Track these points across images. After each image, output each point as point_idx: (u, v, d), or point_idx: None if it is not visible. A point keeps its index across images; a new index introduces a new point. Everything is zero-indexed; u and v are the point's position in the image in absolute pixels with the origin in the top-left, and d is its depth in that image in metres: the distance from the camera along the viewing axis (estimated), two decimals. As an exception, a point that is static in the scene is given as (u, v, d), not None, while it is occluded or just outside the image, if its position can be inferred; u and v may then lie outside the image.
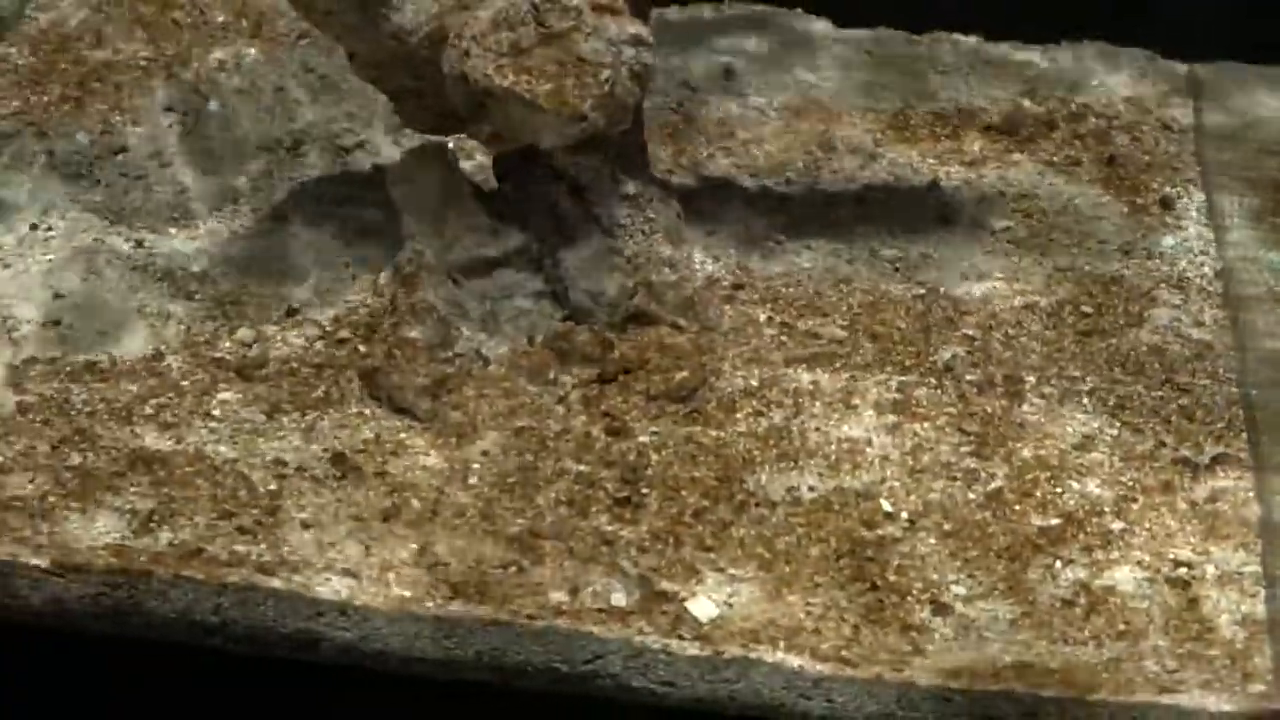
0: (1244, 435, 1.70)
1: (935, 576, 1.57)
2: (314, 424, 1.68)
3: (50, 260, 1.84)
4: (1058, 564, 1.58)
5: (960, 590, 1.56)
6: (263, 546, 1.57)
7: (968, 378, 1.75)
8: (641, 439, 1.67)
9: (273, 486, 1.62)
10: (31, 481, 1.62)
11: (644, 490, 1.63)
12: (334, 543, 1.57)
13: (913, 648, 1.51)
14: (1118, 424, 1.71)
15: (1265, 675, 1.49)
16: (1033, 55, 2.18)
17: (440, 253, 1.74)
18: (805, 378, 1.74)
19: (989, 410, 1.71)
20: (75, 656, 1.61)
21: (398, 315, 1.72)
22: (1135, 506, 1.63)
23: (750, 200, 1.95)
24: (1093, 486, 1.65)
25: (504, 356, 1.74)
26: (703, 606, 1.54)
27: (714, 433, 1.68)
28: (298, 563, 1.55)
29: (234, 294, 1.82)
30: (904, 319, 1.81)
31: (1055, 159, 2.02)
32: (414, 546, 1.57)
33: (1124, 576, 1.57)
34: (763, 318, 1.80)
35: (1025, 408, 1.72)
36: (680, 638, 1.50)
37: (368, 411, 1.69)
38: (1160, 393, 1.74)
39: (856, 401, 1.71)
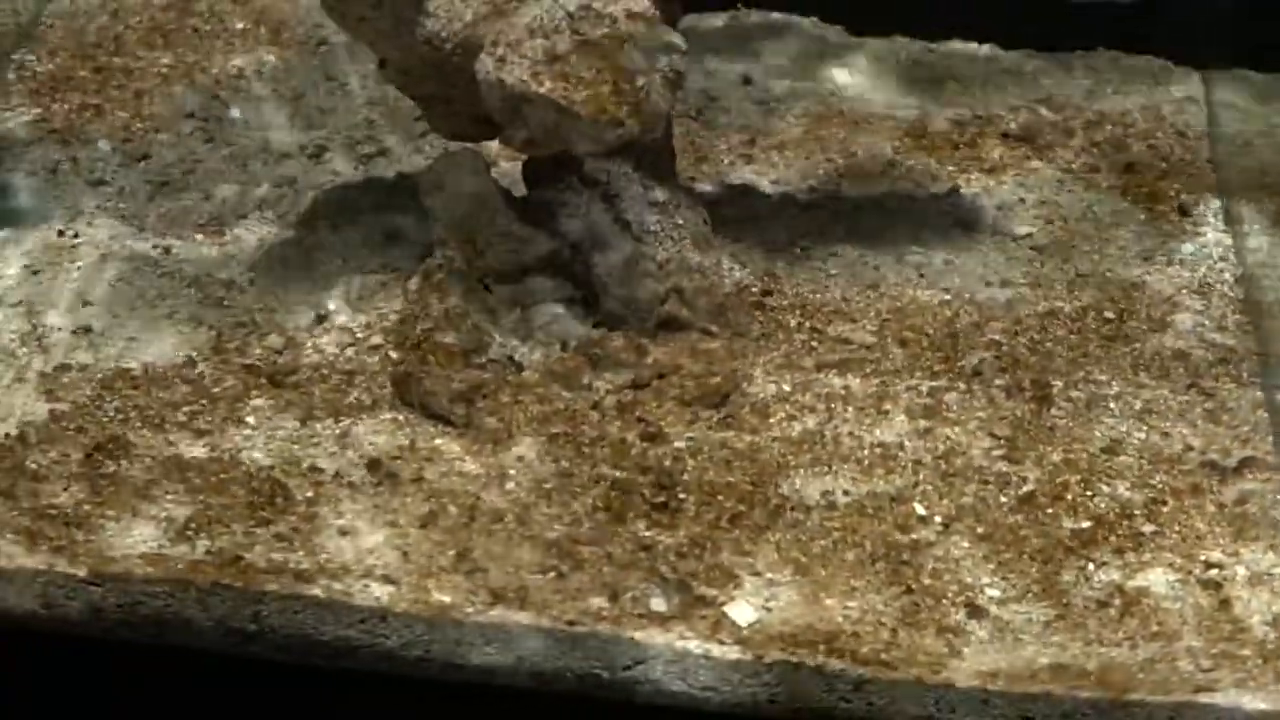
0: (1269, 438, 1.71)
1: (970, 579, 1.58)
2: (348, 430, 1.68)
3: (79, 267, 1.84)
4: (1090, 566, 1.59)
5: (995, 593, 1.57)
6: (301, 554, 1.57)
7: (996, 382, 1.76)
8: (677, 444, 1.68)
9: (309, 493, 1.62)
10: (66, 490, 1.62)
11: (680, 495, 1.63)
12: (372, 549, 1.57)
13: (950, 650, 1.52)
14: (1145, 428, 1.72)
15: (1299, 674, 1.52)
16: (1047, 64, 2.19)
17: (471, 259, 1.74)
18: (837, 383, 1.75)
19: (1018, 414, 1.73)
20: (80, 660, 1.62)
21: (430, 321, 1.72)
22: (1165, 509, 1.64)
23: (774, 207, 1.96)
24: (1123, 489, 1.66)
25: (537, 362, 1.74)
26: (742, 611, 1.55)
27: (748, 438, 1.69)
28: (336, 570, 1.55)
29: (263, 300, 1.82)
30: (931, 325, 1.82)
31: (1073, 166, 2.04)
32: (452, 553, 1.57)
33: (1156, 578, 1.58)
34: (792, 323, 1.81)
35: (1054, 412, 1.73)
36: (721, 642, 1.51)
37: (401, 418, 1.70)
38: (1186, 397, 1.75)
39: (888, 406, 1.72)
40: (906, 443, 1.69)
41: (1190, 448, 1.71)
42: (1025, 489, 1.66)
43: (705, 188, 1.97)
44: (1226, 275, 1.90)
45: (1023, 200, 2.00)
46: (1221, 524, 1.64)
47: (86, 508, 1.60)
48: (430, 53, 1.70)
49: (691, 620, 1.53)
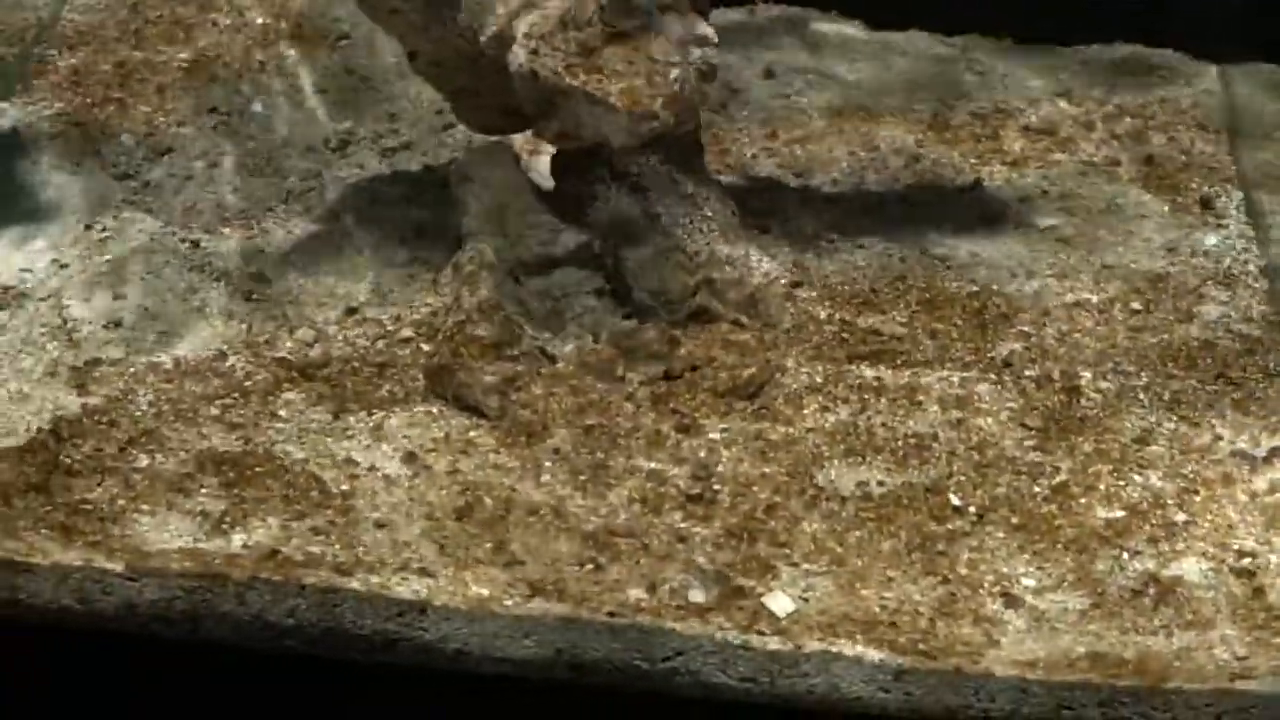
0: (1298, 429, 1.75)
1: (1005, 569, 1.58)
2: (381, 423, 1.68)
3: (108, 261, 1.83)
4: (1124, 555, 1.60)
5: (1030, 582, 1.57)
6: (337, 547, 1.56)
7: (1026, 373, 1.76)
8: (711, 435, 1.68)
9: (345, 486, 1.61)
10: (100, 485, 1.61)
11: (716, 487, 1.63)
12: (409, 542, 1.57)
13: (987, 639, 1.52)
14: (1174, 418, 1.73)
15: (1333, 662, 1.53)
16: (1065, 57, 2.20)
17: (502, 251, 1.74)
18: (869, 374, 1.75)
19: (1049, 405, 1.73)
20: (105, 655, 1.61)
21: (463, 314, 1.72)
22: (1197, 498, 1.65)
23: (798, 200, 1.96)
24: (1154, 479, 1.67)
25: (570, 355, 1.74)
26: (779, 601, 1.55)
27: (782, 429, 1.69)
28: (373, 563, 1.54)
29: (292, 293, 1.82)
30: (960, 316, 1.82)
31: (1095, 159, 2.05)
32: (489, 545, 1.57)
33: (1190, 567, 1.59)
34: (823, 315, 1.81)
35: (1084, 402, 1.73)
36: (760, 633, 1.51)
37: (435, 410, 1.69)
38: (1214, 387, 1.76)
39: (920, 397, 1.72)
40: (940, 433, 1.70)
41: (1220, 437, 1.71)
42: (1058, 479, 1.66)
43: (729, 180, 1.97)
44: (1250, 267, 1.91)
45: (1045, 192, 2.00)
46: (1253, 513, 1.64)
47: (121, 502, 1.59)
48: (462, 45, 1.70)
49: (730, 611, 1.53)
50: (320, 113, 2.04)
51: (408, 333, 1.77)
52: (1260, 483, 1.67)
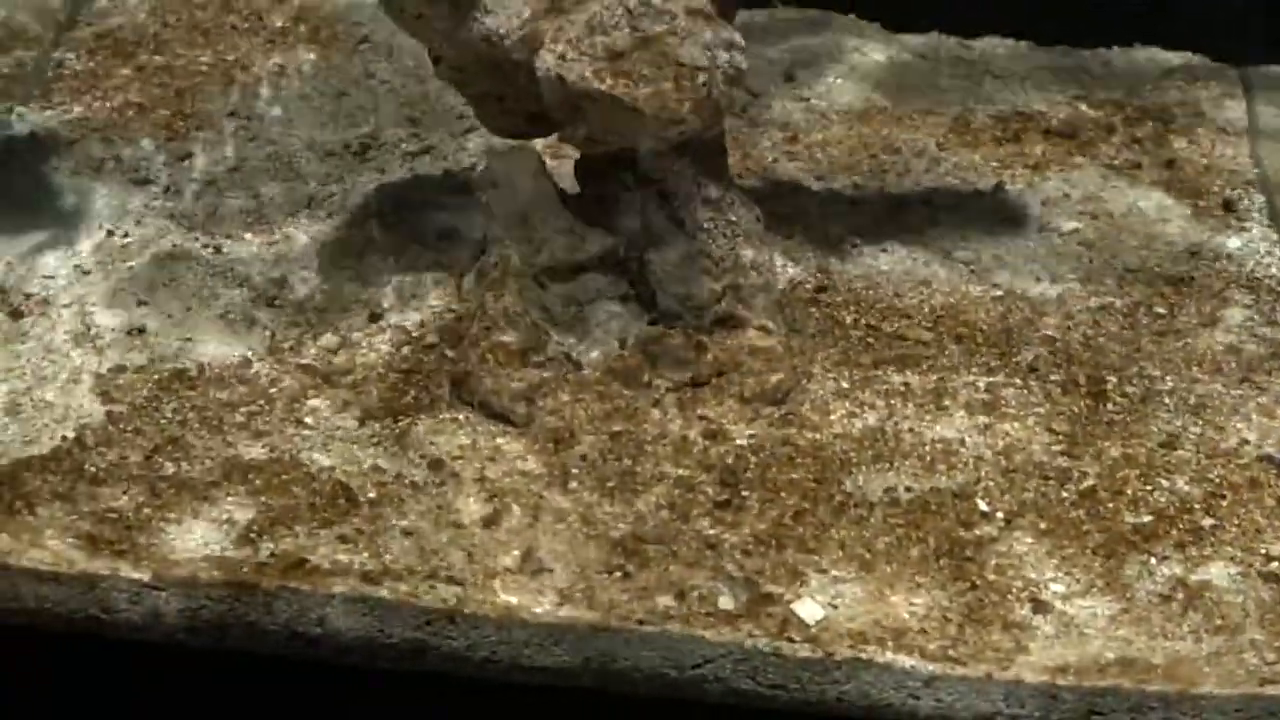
0: (1324, 432, 1.74)
1: (1034, 575, 1.58)
2: (407, 430, 1.67)
3: (129, 267, 1.83)
4: (1153, 560, 1.59)
5: (1059, 588, 1.57)
6: (365, 555, 1.55)
7: (1052, 378, 1.76)
8: (739, 442, 1.68)
9: (372, 494, 1.61)
10: (126, 493, 1.60)
11: (744, 493, 1.63)
12: (436, 550, 1.56)
13: (1016, 645, 1.52)
14: (1200, 422, 1.72)
15: (1362, 665, 1.53)
16: (1084, 60, 2.21)
17: (527, 256, 1.73)
18: (896, 379, 1.75)
19: (1075, 410, 1.73)
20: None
21: (488, 320, 1.71)
22: (1224, 503, 1.65)
23: (821, 204, 1.96)
24: (1181, 484, 1.66)
25: (596, 360, 1.73)
26: (809, 608, 1.55)
27: (810, 434, 1.69)
28: (401, 571, 1.54)
29: (315, 299, 1.81)
30: (985, 321, 1.82)
31: (1116, 162, 2.05)
32: (517, 552, 1.56)
33: (1218, 572, 1.59)
34: (848, 320, 1.81)
35: (1110, 407, 1.73)
36: (790, 640, 1.51)
37: (461, 417, 1.69)
38: (1239, 391, 1.76)
39: (947, 402, 1.72)
40: (967, 439, 1.69)
41: (1246, 441, 1.71)
42: (1085, 484, 1.66)
43: (751, 184, 1.97)
44: (1274, 270, 1.91)
45: (1067, 196, 2.00)
46: (1280, 518, 1.67)
47: (147, 511, 1.59)
48: (488, 50, 1.69)
49: (759, 618, 1.52)
50: (341, 117, 2.03)
51: (432, 339, 1.77)
52: (1287, 487, 1.70)
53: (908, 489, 1.65)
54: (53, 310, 1.80)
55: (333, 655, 1.54)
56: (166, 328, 1.77)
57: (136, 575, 1.53)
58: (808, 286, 1.85)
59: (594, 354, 1.74)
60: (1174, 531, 1.62)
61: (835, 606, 1.55)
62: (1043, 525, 1.63)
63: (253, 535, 1.57)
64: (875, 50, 2.21)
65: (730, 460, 1.66)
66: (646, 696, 1.54)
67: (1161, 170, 2.04)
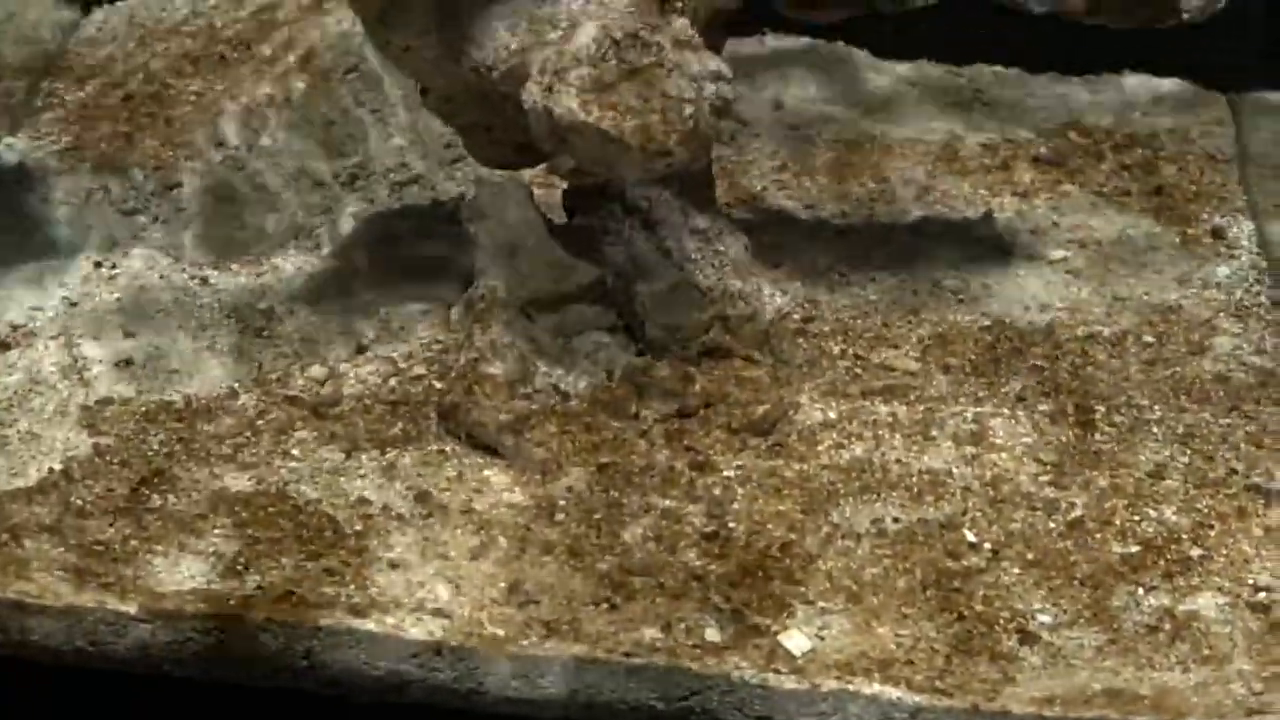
0: (1313, 461, 1.74)
1: (1021, 605, 1.57)
2: (394, 462, 1.67)
3: (118, 299, 1.83)
4: (1140, 591, 1.59)
5: (1046, 619, 1.57)
6: (352, 588, 1.55)
7: (1040, 408, 1.76)
8: (726, 473, 1.67)
9: (358, 527, 1.61)
10: (112, 525, 1.60)
11: (730, 524, 1.63)
12: (423, 582, 1.56)
13: (1003, 676, 1.52)
14: (1189, 452, 1.72)
15: (1350, 696, 1.53)
16: (1073, 87, 2.21)
17: (514, 288, 1.74)
18: (883, 410, 1.75)
19: (1063, 440, 1.73)
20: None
21: (475, 351, 1.71)
22: (1212, 533, 1.65)
23: (809, 233, 1.97)
24: (1169, 514, 1.66)
25: (583, 392, 1.73)
26: (795, 640, 1.54)
27: (797, 466, 1.69)
28: (388, 604, 1.54)
29: (303, 330, 1.82)
30: (973, 350, 1.82)
31: (1105, 190, 2.05)
32: (504, 585, 1.56)
33: (1205, 602, 1.58)
34: (836, 350, 1.81)
35: (1098, 437, 1.73)
36: (776, 671, 1.50)
37: (448, 449, 1.69)
38: (1228, 420, 1.76)
39: (934, 433, 1.72)
40: (954, 469, 1.69)
41: (1234, 471, 1.71)
42: (1073, 514, 1.66)
43: (739, 214, 1.97)
44: (1263, 298, 1.91)
45: (1056, 224, 2.01)
46: (1268, 547, 1.64)
47: (133, 543, 1.59)
48: (476, 81, 1.70)
49: (746, 650, 1.52)
50: (330, 146, 2.03)
51: (419, 370, 1.77)
52: (1275, 516, 1.67)
53: (895, 520, 1.65)
54: (40, 342, 1.80)
55: (319, 688, 1.54)
56: (153, 360, 1.78)
57: (123, 608, 1.52)
58: (795, 316, 1.85)
59: (581, 385, 1.74)
60: (1161, 562, 1.62)
61: (822, 638, 1.54)
62: (1030, 556, 1.62)
63: (239, 568, 1.57)
64: (864, 79, 2.21)
65: (717, 491, 1.66)
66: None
67: (1150, 198, 2.04)
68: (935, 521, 1.65)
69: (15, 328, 1.81)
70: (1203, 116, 2.17)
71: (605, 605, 1.55)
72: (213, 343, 1.80)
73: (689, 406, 1.72)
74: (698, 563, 1.60)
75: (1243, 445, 1.74)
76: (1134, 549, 1.63)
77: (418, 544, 1.60)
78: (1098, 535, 1.65)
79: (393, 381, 1.76)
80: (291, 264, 1.89)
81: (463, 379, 1.71)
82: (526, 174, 1.86)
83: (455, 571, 1.58)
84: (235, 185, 1.99)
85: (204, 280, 1.87)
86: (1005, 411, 1.76)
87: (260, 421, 1.71)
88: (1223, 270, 1.95)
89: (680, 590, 1.57)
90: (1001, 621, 1.56)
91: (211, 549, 1.58)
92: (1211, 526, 1.66)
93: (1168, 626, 1.56)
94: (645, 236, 1.76)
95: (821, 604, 1.57)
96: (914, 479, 1.68)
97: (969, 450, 1.71)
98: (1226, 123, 2.16)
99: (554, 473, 1.67)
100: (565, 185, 1.80)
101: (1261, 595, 1.60)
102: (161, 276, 1.86)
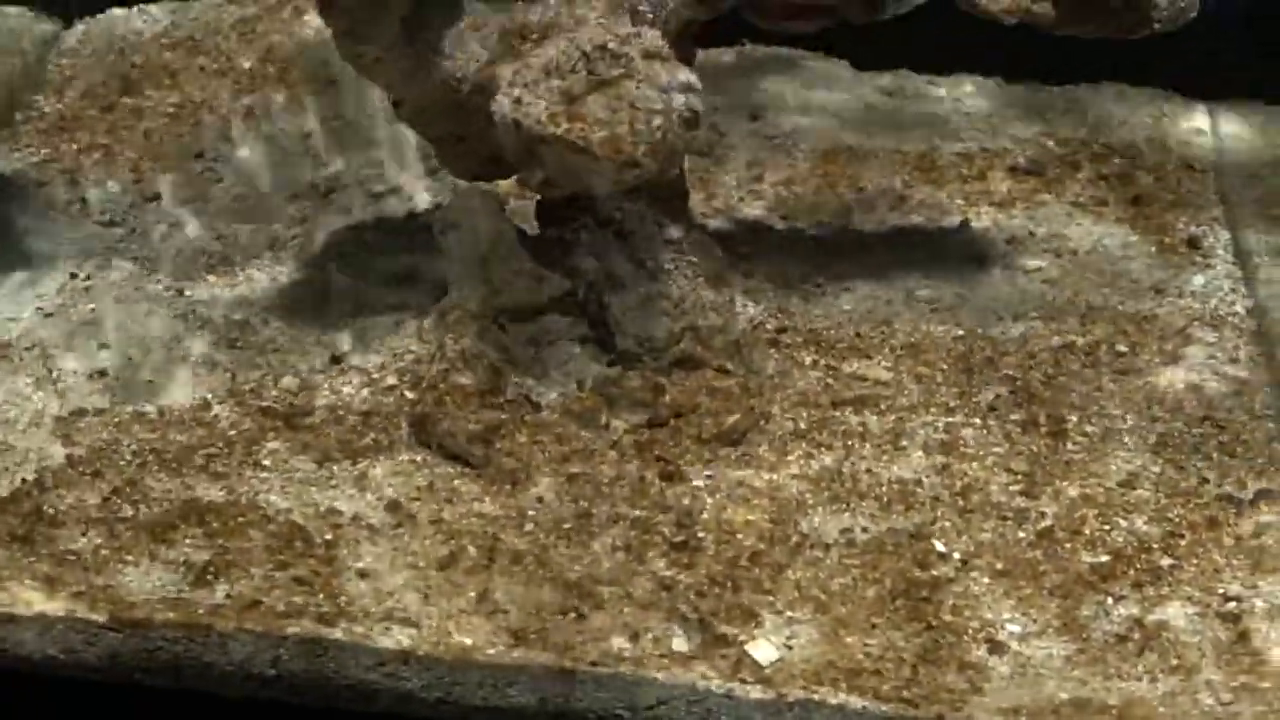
0: (1285, 471, 1.74)
1: (990, 615, 1.57)
2: (365, 472, 1.68)
3: (92, 310, 1.84)
4: (1110, 601, 1.59)
5: (1015, 628, 1.56)
6: (320, 597, 1.56)
7: (1012, 417, 1.76)
8: (695, 483, 1.68)
9: (328, 536, 1.61)
10: (84, 535, 1.61)
11: (699, 534, 1.63)
12: (392, 592, 1.57)
13: (971, 686, 1.51)
14: (1160, 461, 1.72)
15: (1319, 707, 1.52)
16: (1052, 97, 2.22)
17: (486, 298, 1.75)
18: (853, 420, 1.75)
19: (1034, 449, 1.73)
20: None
21: (446, 361, 1.72)
22: (1183, 543, 1.65)
23: (784, 243, 1.97)
24: (1140, 524, 1.66)
25: (554, 402, 1.74)
26: (763, 650, 1.55)
27: (766, 475, 1.69)
28: (357, 613, 1.54)
29: (277, 342, 1.82)
30: (945, 360, 1.82)
31: (1082, 199, 2.06)
32: (473, 594, 1.57)
33: (1175, 612, 1.58)
34: (808, 360, 1.82)
35: (1069, 446, 1.73)
36: (743, 681, 1.50)
37: (419, 459, 1.69)
38: (1200, 430, 1.76)
39: (905, 443, 1.73)
40: (924, 479, 1.69)
41: (1206, 481, 1.71)
42: (1043, 524, 1.66)
43: (715, 224, 1.98)
44: (1238, 307, 1.91)
45: (1032, 234, 2.01)
46: (1239, 557, 1.64)
47: (105, 553, 1.59)
48: (446, 94, 1.70)
49: (713, 659, 1.52)
50: (307, 158, 2.04)
51: (392, 380, 1.78)
52: (1246, 526, 1.67)
53: (864, 530, 1.65)
54: (15, 353, 1.81)
55: (287, 696, 1.53)
56: (128, 370, 1.78)
57: (93, 617, 1.53)
58: (768, 327, 1.85)
59: (552, 395, 1.75)
60: (1131, 571, 1.62)
61: (790, 647, 1.54)
62: (999, 565, 1.62)
63: (209, 577, 1.57)
64: (842, 89, 2.22)
65: (686, 501, 1.66)
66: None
67: (1127, 207, 2.05)
68: (904, 531, 1.65)
69: (-9, 339, 1.85)
70: (1182, 125, 2.18)
71: (573, 615, 1.56)
72: (186, 354, 1.80)
73: (659, 417, 1.73)
74: (666, 572, 1.60)
75: (1215, 455, 1.74)
76: (1104, 558, 1.63)
77: (387, 554, 1.60)
78: (1068, 545, 1.65)
79: (365, 392, 1.77)
80: (267, 275, 1.90)
81: (434, 389, 1.72)
82: (504, 184, 1.88)
83: (424, 581, 1.58)
84: (213, 197, 2.00)
85: (179, 291, 1.87)
86: (977, 421, 1.76)
87: (233, 432, 1.72)
88: (1198, 279, 1.95)
89: (649, 600, 1.57)
90: (970, 631, 1.56)
91: (182, 558, 1.59)
92: (1182, 536, 1.66)
93: (1137, 636, 1.56)
94: (618, 248, 1.76)
95: (790, 614, 1.57)
96: (884, 489, 1.69)
97: (939, 460, 1.72)
98: (1205, 132, 2.17)
99: (523, 483, 1.67)
100: (538, 196, 1.81)
101: (1231, 605, 1.60)
102: (137, 288, 1.87)
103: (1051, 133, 2.17)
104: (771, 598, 1.59)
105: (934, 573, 1.62)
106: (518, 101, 1.65)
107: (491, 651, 1.52)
